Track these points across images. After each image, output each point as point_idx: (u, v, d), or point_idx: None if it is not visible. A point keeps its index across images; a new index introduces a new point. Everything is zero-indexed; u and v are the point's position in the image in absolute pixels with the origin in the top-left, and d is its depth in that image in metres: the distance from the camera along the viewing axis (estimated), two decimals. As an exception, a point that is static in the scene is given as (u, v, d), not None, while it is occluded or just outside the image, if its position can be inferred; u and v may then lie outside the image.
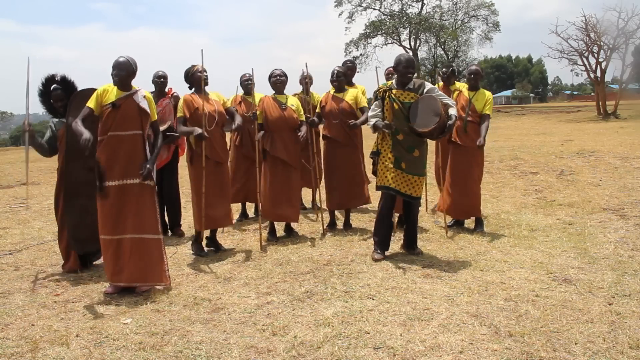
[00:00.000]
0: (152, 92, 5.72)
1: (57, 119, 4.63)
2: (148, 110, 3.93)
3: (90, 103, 3.89)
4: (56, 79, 4.63)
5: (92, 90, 4.18)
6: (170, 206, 5.86)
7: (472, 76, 5.55)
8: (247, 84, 6.27)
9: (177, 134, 5.22)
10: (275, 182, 5.33)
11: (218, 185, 4.88)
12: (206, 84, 4.89)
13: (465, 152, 5.45)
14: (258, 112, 5.41)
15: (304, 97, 6.16)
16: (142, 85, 4.06)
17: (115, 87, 3.92)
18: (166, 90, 5.78)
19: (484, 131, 5.40)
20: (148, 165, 3.88)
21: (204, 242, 5.09)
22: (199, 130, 4.66)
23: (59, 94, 4.58)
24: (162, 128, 5.53)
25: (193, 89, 4.93)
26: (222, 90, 5.12)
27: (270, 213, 5.38)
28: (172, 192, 5.88)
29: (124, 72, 3.87)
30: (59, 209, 4.53)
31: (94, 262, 4.67)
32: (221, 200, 4.91)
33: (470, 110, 5.44)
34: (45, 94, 4.65)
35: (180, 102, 4.86)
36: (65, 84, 4.63)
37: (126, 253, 3.86)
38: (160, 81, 5.75)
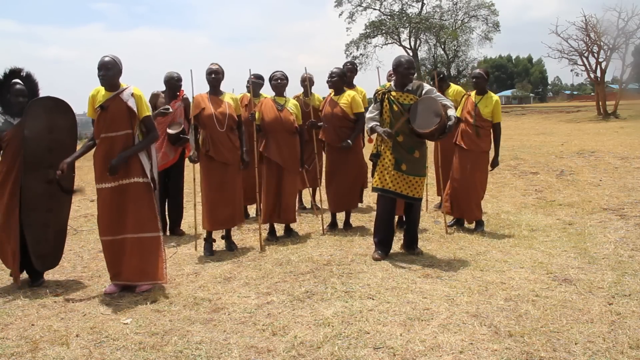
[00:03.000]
0: (163, 92, 5.72)
1: (3, 119, 4.16)
2: (135, 109, 3.88)
3: (88, 113, 3.94)
4: (21, 74, 4.24)
5: (50, 98, 4.14)
6: (173, 206, 5.86)
7: (475, 80, 5.53)
8: (248, 85, 6.24)
9: (188, 137, 5.23)
10: (270, 186, 5.35)
11: (224, 186, 4.89)
12: (217, 84, 4.92)
13: (470, 156, 5.46)
14: (257, 114, 5.42)
15: (304, 98, 6.17)
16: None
17: (102, 88, 3.89)
18: (177, 93, 5.77)
19: (497, 145, 5.52)
20: (112, 161, 3.75)
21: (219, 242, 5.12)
22: (192, 156, 4.88)
23: (21, 89, 4.13)
24: (173, 131, 5.55)
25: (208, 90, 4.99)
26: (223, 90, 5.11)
27: (266, 216, 5.42)
28: (177, 193, 5.87)
29: (110, 72, 3.81)
30: (9, 223, 4.05)
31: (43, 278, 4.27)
32: (227, 202, 4.91)
33: (476, 115, 5.42)
34: (2, 86, 4.18)
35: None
36: (29, 82, 4.25)
37: (126, 253, 3.88)
38: (175, 83, 5.70)
